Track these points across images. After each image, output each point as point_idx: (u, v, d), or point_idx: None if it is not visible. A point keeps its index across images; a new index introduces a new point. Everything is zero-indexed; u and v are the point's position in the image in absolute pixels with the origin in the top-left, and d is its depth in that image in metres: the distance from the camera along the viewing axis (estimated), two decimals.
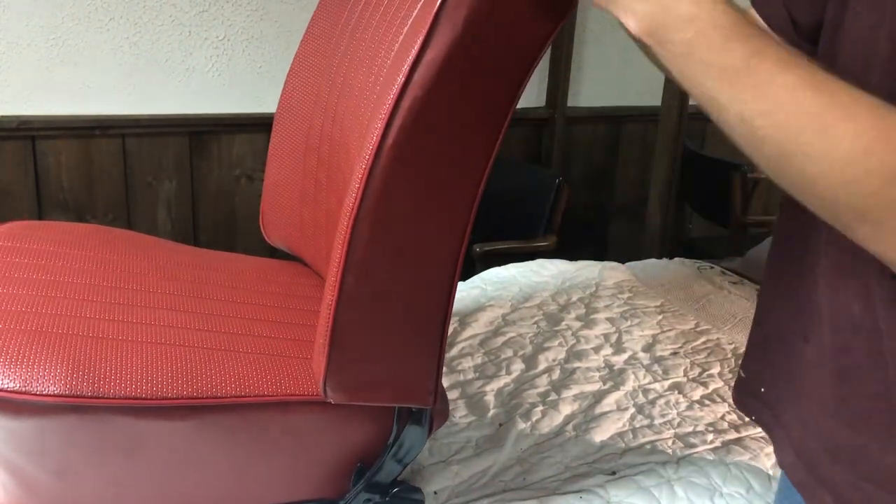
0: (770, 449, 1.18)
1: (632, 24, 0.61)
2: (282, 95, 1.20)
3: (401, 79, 0.75)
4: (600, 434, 1.22)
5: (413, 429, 0.95)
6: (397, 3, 0.89)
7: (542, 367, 1.42)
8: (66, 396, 0.77)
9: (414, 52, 0.74)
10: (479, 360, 1.43)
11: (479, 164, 0.81)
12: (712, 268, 2.05)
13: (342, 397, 0.87)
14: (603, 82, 2.68)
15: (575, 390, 1.34)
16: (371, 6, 0.99)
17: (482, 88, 0.77)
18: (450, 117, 0.77)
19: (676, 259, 2.12)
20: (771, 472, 1.13)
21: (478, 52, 0.75)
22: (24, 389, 0.76)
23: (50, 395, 0.77)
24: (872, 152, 0.53)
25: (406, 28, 0.82)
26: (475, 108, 0.78)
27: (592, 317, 1.65)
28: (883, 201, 0.54)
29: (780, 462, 0.76)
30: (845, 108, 0.54)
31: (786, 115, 0.55)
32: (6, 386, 0.76)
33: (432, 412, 0.96)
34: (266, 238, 1.30)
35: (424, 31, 0.74)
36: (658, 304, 1.75)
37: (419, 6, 0.81)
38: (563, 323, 1.61)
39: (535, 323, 1.59)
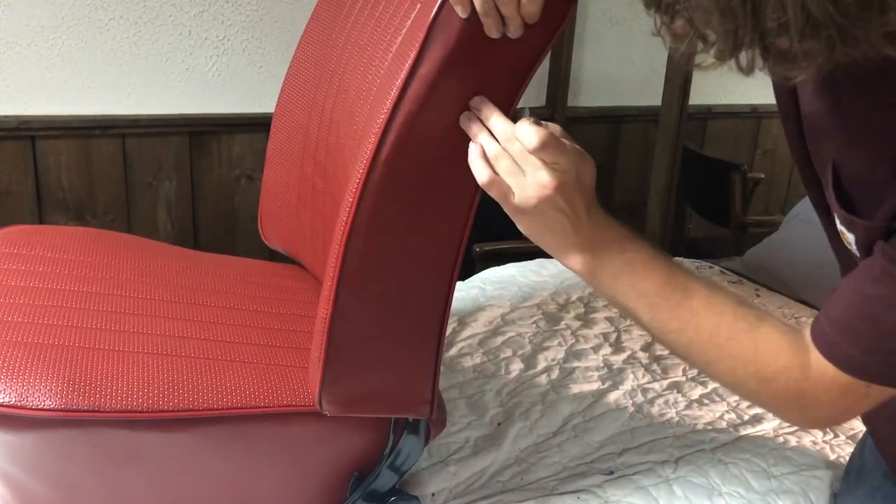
0: (766, 449, 1.18)
1: (575, 267, 0.76)
2: (278, 100, 1.20)
3: (394, 93, 0.74)
4: (599, 434, 1.22)
5: (410, 438, 0.95)
6: (392, 11, 0.89)
7: (541, 366, 1.42)
8: (62, 410, 0.77)
9: (407, 66, 0.74)
10: (478, 360, 1.43)
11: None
12: (711, 268, 2.05)
13: (338, 409, 0.86)
14: (603, 82, 2.67)
15: (574, 390, 1.34)
16: (367, 11, 0.98)
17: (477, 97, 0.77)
18: (445, 129, 0.77)
19: (676, 259, 2.12)
20: (770, 471, 1.13)
21: (471, 65, 0.75)
22: (20, 404, 0.77)
23: (46, 410, 0.77)
24: (749, 362, 0.71)
25: (399, 38, 0.82)
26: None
27: (591, 316, 1.65)
28: (763, 396, 0.74)
29: None
30: (730, 326, 0.72)
31: (691, 332, 0.73)
32: (2, 400, 0.76)
33: (429, 421, 0.96)
34: (264, 240, 1.30)
35: (417, 46, 0.74)
36: None
37: (412, 18, 0.81)
38: (563, 322, 1.61)
39: (535, 322, 1.59)
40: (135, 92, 2.04)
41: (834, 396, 0.69)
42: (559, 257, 0.78)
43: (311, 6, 2.26)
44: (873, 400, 0.69)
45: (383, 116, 0.75)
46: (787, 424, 1.28)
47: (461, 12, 0.71)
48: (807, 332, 0.71)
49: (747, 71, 0.53)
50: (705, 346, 0.73)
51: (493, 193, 0.75)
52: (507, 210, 0.76)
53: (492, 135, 0.75)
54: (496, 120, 0.74)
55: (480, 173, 0.75)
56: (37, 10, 1.89)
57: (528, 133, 0.72)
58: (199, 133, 2.12)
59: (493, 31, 0.72)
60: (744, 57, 0.53)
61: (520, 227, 0.77)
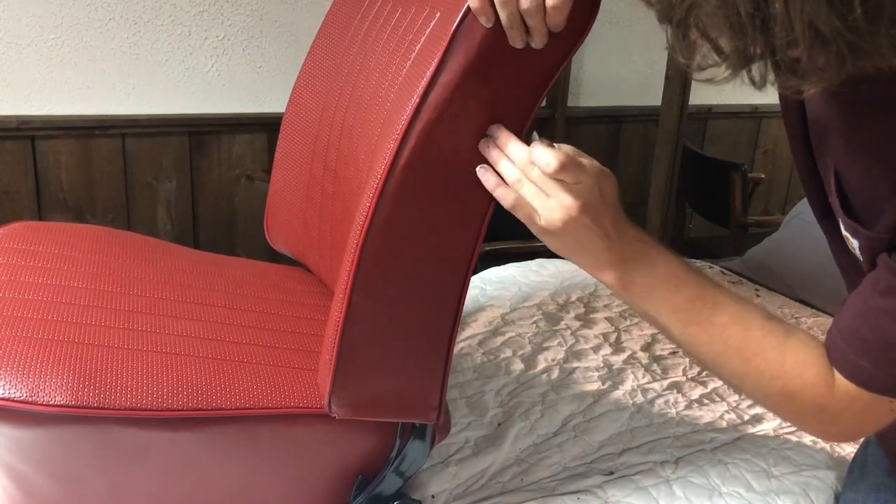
0: (766, 450, 1.18)
1: (609, 282, 0.77)
2: (288, 103, 1.20)
3: (415, 100, 0.75)
4: (599, 434, 1.22)
5: (416, 443, 0.95)
6: (410, 18, 0.89)
7: (541, 366, 1.42)
8: (71, 407, 0.78)
9: (429, 73, 0.74)
10: (478, 360, 1.43)
11: None
12: (711, 268, 2.05)
13: (347, 412, 0.87)
14: (603, 82, 2.67)
15: (574, 390, 1.35)
16: (382, 18, 0.98)
17: (496, 108, 0.77)
18: (463, 137, 0.77)
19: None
20: (771, 471, 1.13)
21: (493, 73, 0.75)
22: (30, 399, 0.77)
23: (55, 406, 0.77)
24: (776, 377, 0.72)
25: (419, 46, 0.82)
26: (490, 124, 0.78)
27: (591, 316, 1.65)
28: (787, 410, 0.75)
29: None
30: (759, 341, 0.72)
31: (720, 346, 0.74)
32: (12, 395, 0.76)
33: (435, 427, 0.96)
34: (269, 242, 1.30)
35: (440, 54, 0.74)
36: None
37: (432, 26, 0.81)
38: (563, 322, 1.61)
39: (535, 323, 1.59)
40: (135, 92, 2.04)
41: (856, 413, 0.69)
42: (592, 273, 0.78)
43: (311, 7, 2.26)
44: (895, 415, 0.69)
45: (403, 122, 0.75)
46: (788, 424, 1.28)
47: (485, 22, 0.71)
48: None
49: (760, 85, 0.54)
50: (734, 361, 0.74)
51: (519, 216, 0.76)
52: (534, 231, 0.76)
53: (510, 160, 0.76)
54: (513, 146, 0.75)
55: (506, 197, 0.76)
56: (37, 10, 1.89)
57: (545, 156, 0.72)
58: (198, 133, 2.12)
59: (517, 42, 0.73)
60: (756, 70, 0.53)
61: (550, 247, 0.77)
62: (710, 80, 0.56)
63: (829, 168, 0.69)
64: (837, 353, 0.69)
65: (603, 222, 0.74)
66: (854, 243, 0.69)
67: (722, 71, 0.54)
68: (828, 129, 0.69)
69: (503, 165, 0.75)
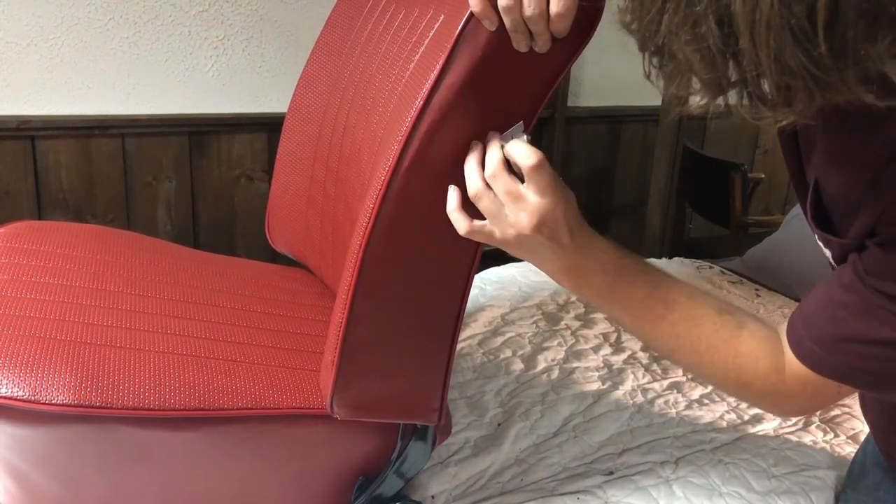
0: (766, 449, 1.18)
1: (564, 285, 0.80)
2: (291, 104, 1.21)
3: (419, 102, 0.75)
4: (599, 434, 1.22)
5: (417, 444, 0.95)
6: (413, 21, 0.89)
7: (541, 366, 1.42)
8: (74, 406, 0.78)
9: (433, 76, 0.74)
10: (478, 360, 1.43)
11: None
12: (712, 267, 2.05)
13: (349, 413, 0.87)
14: (603, 82, 2.67)
15: (574, 390, 1.35)
16: (385, 20, 0.99)
17: (499, 109, 0.78)
18: (466, 139, 0.77)
19: (676, 259, 2.12)
20: (771, 471, 1.13)
21: (496, 76, 0.75)
22: (32, 398, 0.77)
23: (58, 405, 0.77)
24: (729, 370, 0.76)
25: (422, 48, 0.83)
26: (493, 127, 0.78)
27: (591, 316, 1.65)
28: (742, 395, 0.81)
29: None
30: (710, 338, 0.76)
31: (673, 343, 0.78)
32: (15, 394, 0.76)
33: (436, 428, 0.96)
34: (271, 243, 1.30)
35: (444, 56, 0.74)
36: None
37: (436, 28, 0.81)
38: (563, 322, 1.61)
39: (535, 323, 1.59)
40: (135, 92, 2.04)
41: (807, 395, 0.74)
42: (549, 276, 0.82)
43: (311, 7, 2.26)
44: (845, 395, 0.74)
45: (407, 124, 0.75)
46: (788, 424, 1.28)
47: (489, 25, 0.73)
48: (783, 329, 0.75)
49: (735, 114, 0.55)
50: (687, 355, 0.78)
51: (475, 238, 0.78)
52: (493, 244, 0.79)
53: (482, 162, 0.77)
54: (492, 149, 0.76)
55: (459, 224, 0.78)
56: (37, 10, 1.89)
57: (525, 151, 0.73)
58: (198, 133, 2.12)
59: (521, 46, 0.74)
60: (730, 99, 0.55)
61: (510, 253, 0.81)
62: (686, 108, 0.57)
63: (812, 178, 0.70)
64: (794, 336, 0.72)
65: (558, 236, 0.76)
66: (827, 253, 0.72)
67: (698, 100, 0.56)
68: (813, 141, 0.70)
69: (469, 171, 0.77)
